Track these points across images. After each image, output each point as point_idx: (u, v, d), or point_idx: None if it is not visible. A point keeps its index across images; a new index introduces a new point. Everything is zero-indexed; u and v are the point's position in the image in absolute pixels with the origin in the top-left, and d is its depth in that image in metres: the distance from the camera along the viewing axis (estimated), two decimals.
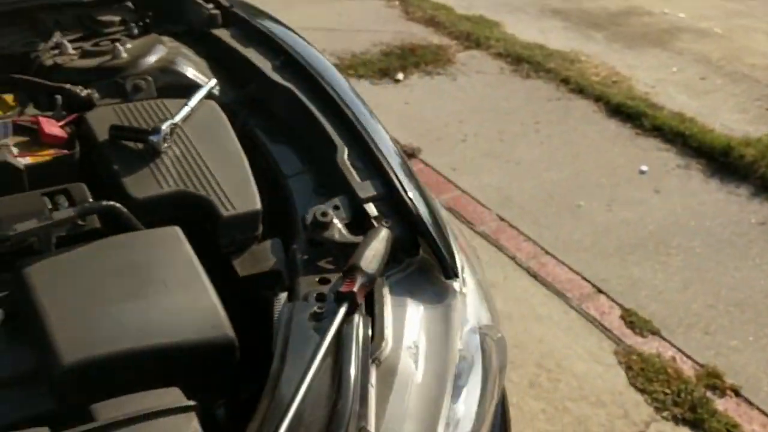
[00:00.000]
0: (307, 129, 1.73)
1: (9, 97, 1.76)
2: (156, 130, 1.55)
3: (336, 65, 4.90)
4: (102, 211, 1.37)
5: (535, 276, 3.33)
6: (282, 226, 1.59)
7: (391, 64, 5.06)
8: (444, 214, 1.66)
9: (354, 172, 1.58)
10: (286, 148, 1.75)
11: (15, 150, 1.56)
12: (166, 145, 1.57)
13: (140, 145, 1.56)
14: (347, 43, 5.35)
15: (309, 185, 1.65)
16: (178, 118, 1.62)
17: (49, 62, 1.81)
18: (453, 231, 1.66)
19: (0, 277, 1.30)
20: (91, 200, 1.42)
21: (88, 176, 1.58)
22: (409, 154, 4.14)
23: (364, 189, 1.55)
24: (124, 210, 1.39)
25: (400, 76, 4.95)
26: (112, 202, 1.38)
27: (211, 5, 2.10)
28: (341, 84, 1.84)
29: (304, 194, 1.63)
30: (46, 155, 1.56)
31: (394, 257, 1.46)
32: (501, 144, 4.31)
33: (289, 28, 2.11)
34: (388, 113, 4.47)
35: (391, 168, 1.60)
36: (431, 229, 1.49)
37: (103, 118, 1.63)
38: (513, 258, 3.44)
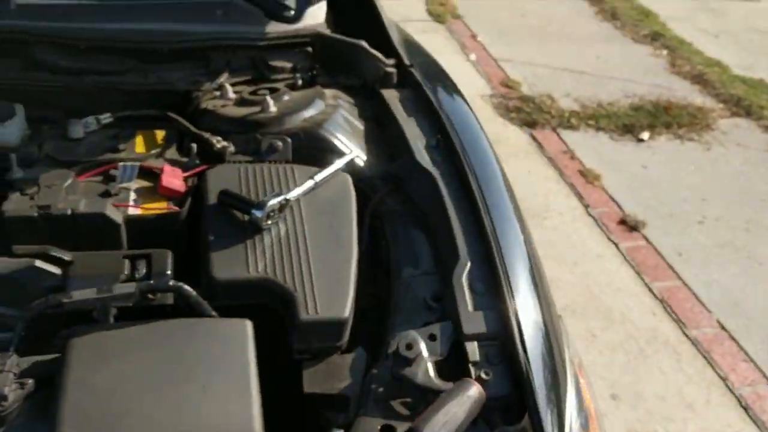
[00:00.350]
0: (439, 226, 1.49)
1: (160, 134, 1.73)
2: (260, 205, 1.41)
3: (576, 113, 4.63)
4: (167, 291, 1.26)
5: (746, 408, 2.76)
6: (379, 334, 1.38)
7: (638, 120, 4.57)
8: (571, 369, 1.32)
9: (468, 297, 1.32)
10: (415, 242, 1.52)
11: (133, 197, 1.52)
12: (269, 222, 1.42)
13: (246, 217, 1.43)
14: (596, 89, 4.94)
15: (423, 294, 1.41)
16: (293, 194, 1.47)
17: (203, 105, 1.76)
18: (579, 388, 1.33)
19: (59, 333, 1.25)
20: (168, 272, 1.31)
21: (196, 236, 1.49)
22: (631, 226, 3.70)
23: (473, 322, 1.28)
24: (193, 293, 1.27)
25: (645, 135, 4.44)
26: (179, 284, 1.26)
27: (391, 61, 1.93)
28: (494, 179, 1.57)
29: (413, 305, 1.39)
30: (156, 209, 1.49)
31: (487, 420, 1.19)
32: (745, 235, 3.68)
33: (464, 101, 1.88)
34: (619, 175, 4.05)
35: (514, 301, 1.30)
36: (540, 397, 1.18)
37: (222, 177, 1.53)
38: (724, 379, 2.88)
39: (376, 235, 1.57)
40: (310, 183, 1.51)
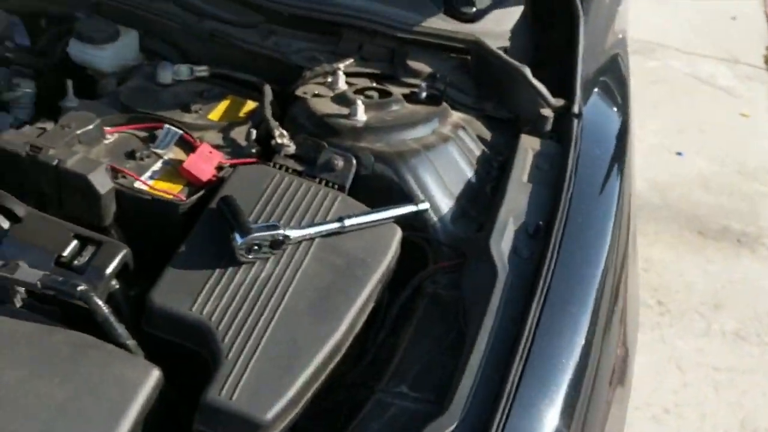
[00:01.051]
0: (467, 344, 1.06)
1: (250, 106, 1.48)
2: (245, 231, 1.09)
3: None
4: (70, 297, 1.01)
5: None
6: None
7: None
8: None
9: None
10: (434, 350, 1.11)
11: (156, 167, 1.29)
12: (251, 256, 1.10)
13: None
14: None
15: (397, 429, 1.01)
16: (298, 232, 1.13)
17: (302, 88, 1.46)
18: None
19: None
20: (108, 272, 1.07)
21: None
22: None
23: None
24: (102, 311, 1.01)
25: None
26: (89, 293, 1.00)
27: (558, 102, 1.45)
28: (575, 308, 1.09)
29: None
30: (160, 191, 1.24)
31: None
32: None
33: (619, 182, 1.36)
34: None
35: None
36: None
37: (248, 180, 1.23)
38: None
39: (401, 319, 1.19)
40: (333, 225, 1.16)
